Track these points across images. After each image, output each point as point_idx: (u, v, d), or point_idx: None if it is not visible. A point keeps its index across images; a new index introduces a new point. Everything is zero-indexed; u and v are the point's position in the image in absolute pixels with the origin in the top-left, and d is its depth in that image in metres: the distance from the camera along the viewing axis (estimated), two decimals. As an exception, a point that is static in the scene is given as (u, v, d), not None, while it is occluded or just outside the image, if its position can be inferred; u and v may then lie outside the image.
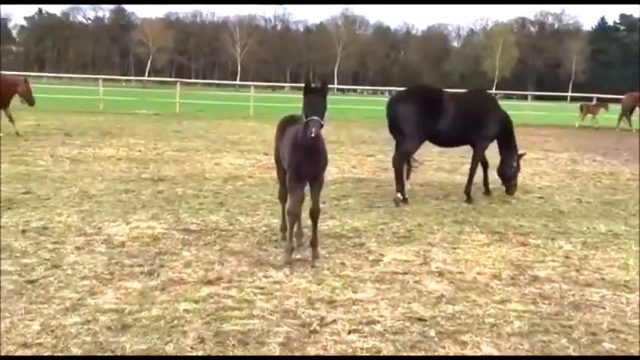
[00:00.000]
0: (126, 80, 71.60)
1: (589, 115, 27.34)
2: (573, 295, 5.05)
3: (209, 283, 5.05)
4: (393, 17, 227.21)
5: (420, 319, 4.40)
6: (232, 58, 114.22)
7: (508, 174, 9.57)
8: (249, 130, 19.68)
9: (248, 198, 8.79)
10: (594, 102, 29.42)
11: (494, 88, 78.16)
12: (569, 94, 57.03)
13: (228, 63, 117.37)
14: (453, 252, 6.33)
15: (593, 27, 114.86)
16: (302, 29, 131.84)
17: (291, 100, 37.92)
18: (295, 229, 5.98)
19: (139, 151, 13.52)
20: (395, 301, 4.75)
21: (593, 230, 7.53)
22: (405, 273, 5.49)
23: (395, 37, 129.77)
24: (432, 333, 4.19)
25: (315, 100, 5.17)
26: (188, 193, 9.02)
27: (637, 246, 6.78)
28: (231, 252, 6.03)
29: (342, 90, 68.47)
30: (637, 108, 26.29)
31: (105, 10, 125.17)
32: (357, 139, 18.50)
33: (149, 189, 9.14)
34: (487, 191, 9.71)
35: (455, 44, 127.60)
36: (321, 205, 8.28)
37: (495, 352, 3.97)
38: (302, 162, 5.41)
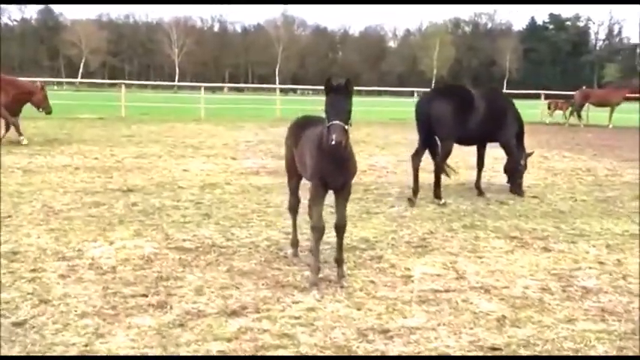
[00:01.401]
0: (57, 83, 68.31)
1: (557, 112, 27.85)
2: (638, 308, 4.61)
3: (234, 314, 4.31)
4: (330, 18, 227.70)
5: (493, 349, 3.83)
6: (168, 60, 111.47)
7: (517, 171, 9.43)
8: (206, 134, 18.73)
9: (234, 208, 8.02)
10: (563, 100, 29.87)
11: (432, 85, 79.28)
12: (505, 90, 58.43)
13: (164, 65, 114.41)
14: (480, 262, 5.81)
15: (524, 27, 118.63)
16: (239, 30, 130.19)
17: (237, 102, 37.24)
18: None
19: (96, 158, 12.44)
20: (454, 327, 4.16)
21: (607, 231, 7.20)
22: (447, 291, 4.91)
23: (333, 38, 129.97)
24: (516, 366, 3.62)
25: (338, 100, 4.49)
26: (166, 204, 8.16)
27: (661, 247, 6.47)
28: (242, 273, 5.30)
29: (286, 91, 68.04)
30: (586, 104, 26.91)
31: (32, 11, 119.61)
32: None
33: (120, 201, 8.23)
34: (480, 192, 9.36)
35: (392, 44, 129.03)
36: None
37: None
38: (329, 169, 4.74)
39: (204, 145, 15.54)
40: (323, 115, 4.62)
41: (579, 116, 26.93)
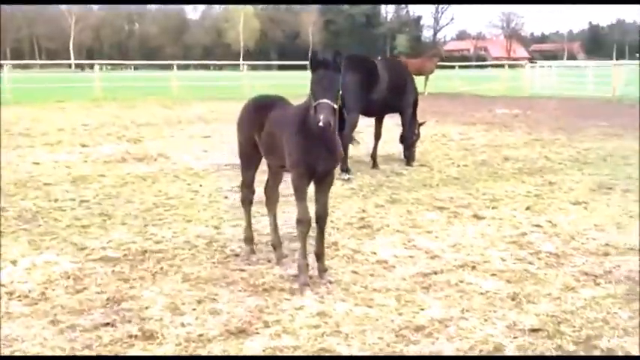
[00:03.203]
0: None
1: None
2: (618, 267, 4.82)
3: (243, 333, 3.65)
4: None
5: (534, 330, 3.70)
6: None
7: (411, 140, 9.52)
8: (28, 118, 16.40)
9: (130, 204, 7.01)
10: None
11: (241, 59, 78.76)
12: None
13: None
14: (435, 237, 5.71)
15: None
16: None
17: (42, 80, 33.30)
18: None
19: None
20: (480, 312, 3.96)
21: (512, 193, 7.55)
22: (436, 273, 4.70)
23: (129, 10, 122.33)
24: (571, 346, 3.52)
25: (327, 76, 4.00)
26: (43, 206, 6.87)
27: (568, 199, 6.93)
28: (203, 280, 4.58)
29: (82, 67, 62.67)
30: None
31: None
32: (174, 120, 16.68)
33: (-20, 208, 6.74)
34: (375, 164, 9.35)
35: (192, 16, 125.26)
36: (229, 199, 7.09)
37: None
38: (315, 155, 4.21)
39: (36, 131, 13.55)
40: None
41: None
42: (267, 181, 5.12)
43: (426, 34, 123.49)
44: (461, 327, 3.74)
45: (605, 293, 4.27)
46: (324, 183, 4.43)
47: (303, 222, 4.35)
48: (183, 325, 3.77)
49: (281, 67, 69.11)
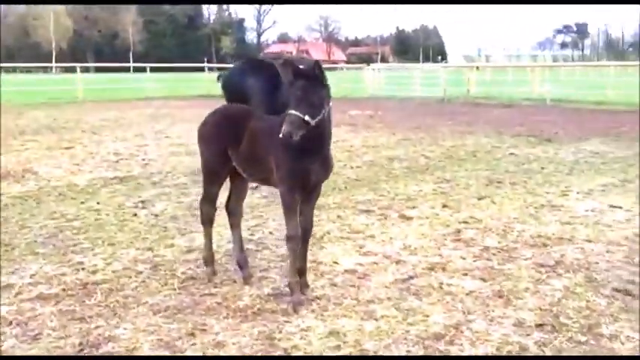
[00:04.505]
0: None
1: None
2: (563, 255, 5.21)
3: (269, 365, 3.34)
4: None
5: (539, 325, 3.86)
6: None
7: None
8: None
9: (27, 229, 6.13)
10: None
11: (53, 61, 72.84)
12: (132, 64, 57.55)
13: None
14: (383, 242, 5.72)
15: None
16: None
17: None
18: (238, 250, 4.36)
19: None
20: (480, 314, 4.03)
21: (420, 192, 7.84)
22: (412, 277, 4.72)
23: None
24: (581, 336, 3.73)
25: (300, 87, 3.79)
26: None
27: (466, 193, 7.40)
28: (180, 310, 4.13)
29: None
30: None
31: None
32: (14, 130, 14.85)
33: None
34: None
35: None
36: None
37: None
38: (309, 168, 4.00)
39: None
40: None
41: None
42: (230, 196, 4.75)
43: (250, 36, 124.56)
44: (475, 330, 3.79)
45: (573, 283, 4.60)
46: (312, 195, 4.23)
47: (294, 238, 4.10)
48: (199, 367, 3.36)
49: (99, 70, 65.22)
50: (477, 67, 40.37)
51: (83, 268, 4.96)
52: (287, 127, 3.69)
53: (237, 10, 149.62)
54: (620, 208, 6.87)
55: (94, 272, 4.88)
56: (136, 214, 6.76)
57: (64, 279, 4.71)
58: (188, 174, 9.03)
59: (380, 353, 3.49)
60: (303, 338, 3.68)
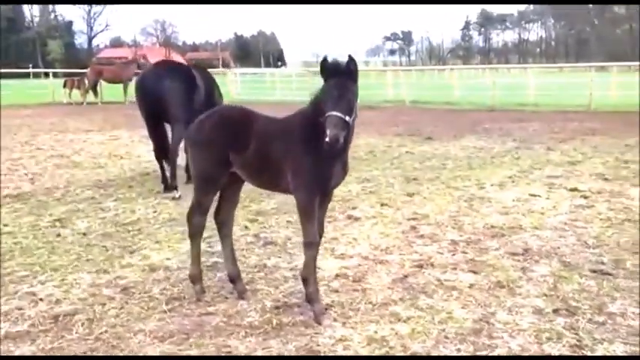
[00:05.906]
0: None
1: (75, 91, 26.13)
2: (526, 243, 5.46)
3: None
4: None
5: (556, 311, 4.00)
6: None
7: None
8: None
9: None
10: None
11: None
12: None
13: None
14: (350, 243, 5.61)
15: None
16: None
17: None
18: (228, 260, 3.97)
19: None
20: (498, 306, 4.10)
21: (350, 193, 7.84)
22: (407, 276, 4.67)
23: None
24: (597, 317, 3.92)
25: (337, 86, 3.52)
26: None
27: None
28: (189, 333, 3.70)
29: None
30: (100, 81, 26.70)
31: None
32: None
33: None
34: (190, 177, 8.68)
35: None
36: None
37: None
38: (329, 173, 3.77)
39: None
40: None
41: (95, 93, 26.60)
42: (219, 206, 4.34)
43: (80, 40, 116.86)
44: (504, 321, 3.83)
45: (556, 268, 4.84)
46: (326, 199, 4.02)
47: (314, 245, 3.86)
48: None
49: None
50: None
51: (41, 299, 4.27)
52: (333, 130, 3.39)
53: (62, 13, 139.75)
54: (540, 196, 7.40)
55: (56, 302, 4.23)
56: (59, 234, 5.98)
57: (26, 313, 4.01)
58: (92, 187, 8.21)
59: (430, 353, 3.40)
60: (346, 348, 3.47)
